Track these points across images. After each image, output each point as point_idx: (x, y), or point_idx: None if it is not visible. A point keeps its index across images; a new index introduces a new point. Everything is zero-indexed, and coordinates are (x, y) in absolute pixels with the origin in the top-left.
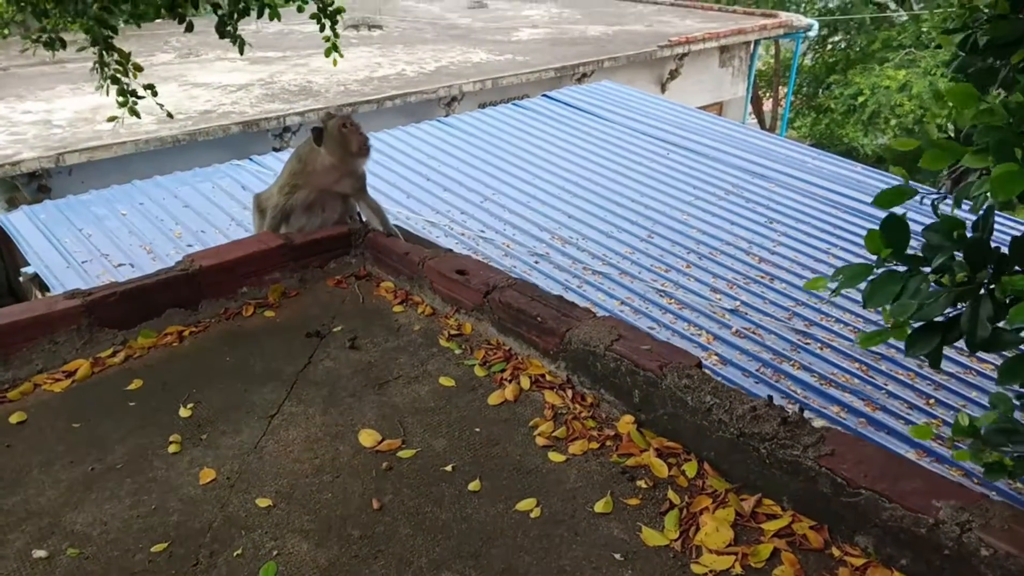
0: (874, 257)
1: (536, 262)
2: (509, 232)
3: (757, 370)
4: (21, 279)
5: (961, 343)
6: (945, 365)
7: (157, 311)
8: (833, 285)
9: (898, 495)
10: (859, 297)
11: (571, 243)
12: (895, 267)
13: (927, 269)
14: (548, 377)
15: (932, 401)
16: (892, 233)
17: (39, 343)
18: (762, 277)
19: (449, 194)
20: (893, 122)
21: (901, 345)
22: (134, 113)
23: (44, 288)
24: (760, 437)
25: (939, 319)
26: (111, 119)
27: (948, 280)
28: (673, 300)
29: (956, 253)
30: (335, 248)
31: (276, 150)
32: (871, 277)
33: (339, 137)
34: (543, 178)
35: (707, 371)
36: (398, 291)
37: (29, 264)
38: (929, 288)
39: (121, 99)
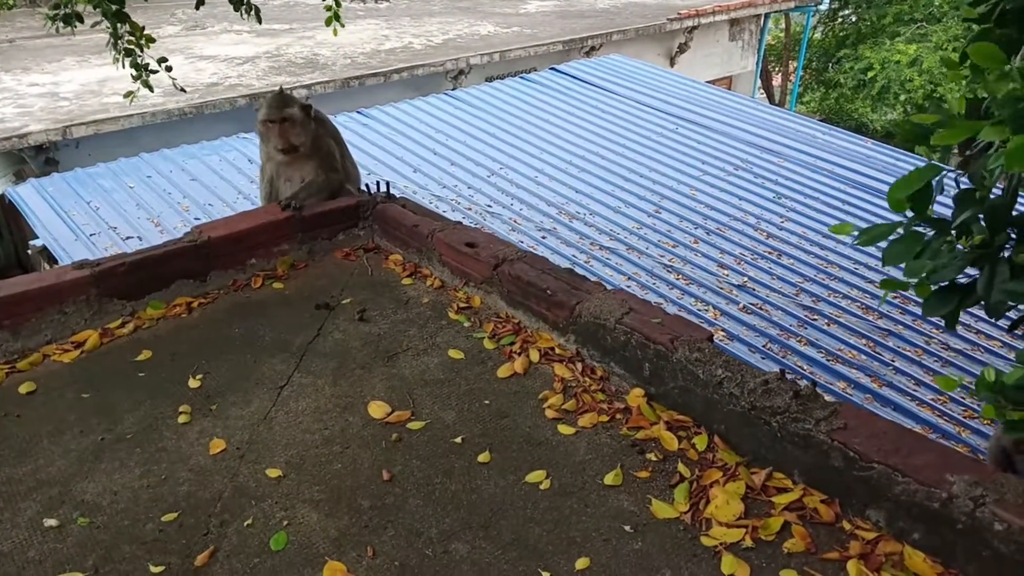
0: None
1: (543, 237)
2: (516, 207)
3: (764, 346)
4: (29, 252)
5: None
6: (952, 341)
7: (166, 282)
8: (856, 234)
9: (911, 469)
10: (868, 273)
11: (578, 218)
12: (918, 228)
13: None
14: (557, 350)
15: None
16: (915, 195)
17: (48, 313)
18: (770, 253)
19: (456, 168)
20: (903, 97)
21: (908, 321)
22: (148, 87)
23: (52, 260)
24: (772, 411)
25: (960, 281)
26: (128, 95)
27: (966, 242)
28: (680, 276)
29: (978, 216)
30: (344, 220)
31: None
32: (892, 236)
33: (263, 134)
34: (551, 152)
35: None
36: (407, 264)
37: (37, 237)
38: (950, 250)
39: (135, 73)
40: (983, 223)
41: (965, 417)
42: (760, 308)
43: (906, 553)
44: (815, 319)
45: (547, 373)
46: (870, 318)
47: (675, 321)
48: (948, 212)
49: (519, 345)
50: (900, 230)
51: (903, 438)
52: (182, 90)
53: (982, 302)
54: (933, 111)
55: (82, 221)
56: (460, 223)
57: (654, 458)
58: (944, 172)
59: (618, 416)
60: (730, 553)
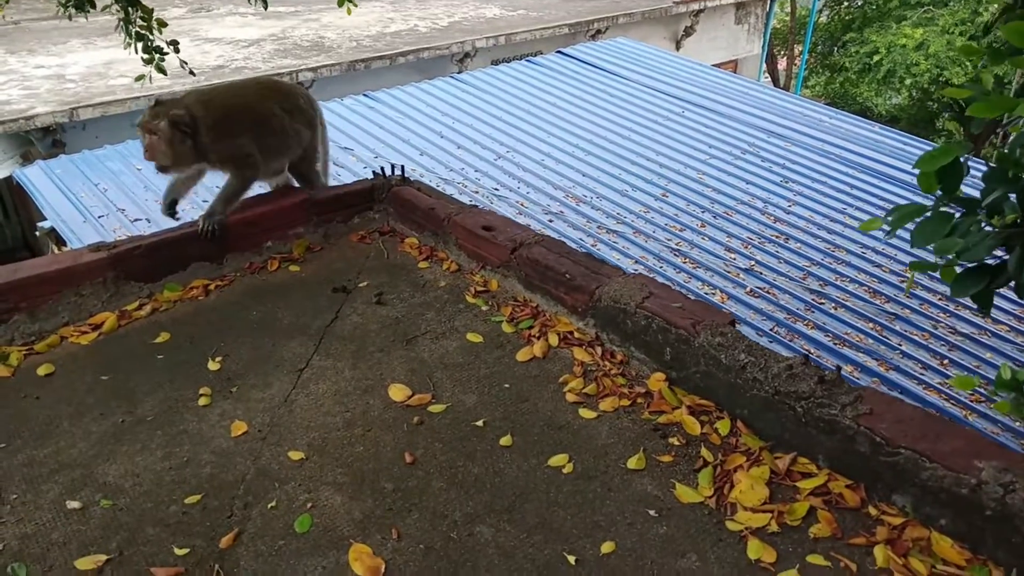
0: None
1: (550, 220)
2: (523, 190)
3: (771, 329)
4: (37, 233)
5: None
6: (959, 325)
7: (182, 264)
8: (887, 226)
9: (939, 455)
10: (875, 257)
11: (585, 201)
12: (948, 208)
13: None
14: (576, 334)
15: (946, 362)
16: (944, 173)
17: (64, 296)
18: (777, 237)
19: (463, 151)
20: (908, 81)
21: (915, 305)
22: (160, 70)
23: (61, 242)
24: (796, 396)
25: (989, 262)
26: (139, 78)
27: (997, 221)
28: (688, 259)
29: (1009, 195)
30: (358, 204)
31: None
32: (921, 217)
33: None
34: (557, 136)
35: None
36: (422, 247)
37: (45, 218)
38: (980, 230)
39: (147, 56)
40: (1015, 202)
41: (972, 401)
42: (767, 292)
43: (933, 539)
44: (822, 303)
45: (566, 357)
46: (877, 302)
47: (696, 305)
48: (971, 191)
49: (538, 329)
50: (928, 212)
51: (929, 423)
52: (192, 73)
53: (1012, 283)
54: (969, 87)
55: (90, 203)
56: (476, 206)
57: (677, 442)
58: (971, 147)
59: (639, 400)
60: (756, 538)
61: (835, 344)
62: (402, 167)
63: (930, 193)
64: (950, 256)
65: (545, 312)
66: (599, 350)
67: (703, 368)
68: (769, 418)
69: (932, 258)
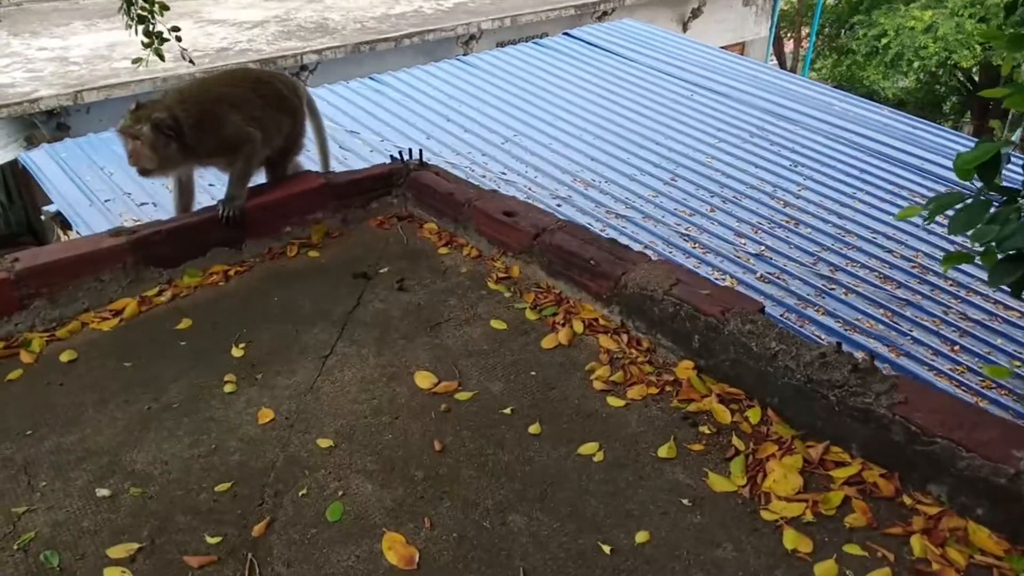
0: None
1: (558, 205)
2: (531, 174)
3: (781, 315)
4: (43, 217)
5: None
6: (970, 311)
7: (202, 250)
8: (925, 214)
9: (976, 444)
10: (886, 243)
11: (594, 186)
12: (989, 196)
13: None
14: (601, 321)
15: (957, 348)
16: (984, 163)
17: (84, 281)
18: (787, 221)
19: (470, 135)
20: (916, 64)
21: (926, 291)
22: (159, 55)
23: (67, 226)
24: (830, 384)
25: None
26: (136, 61)
27: None
28: (697, 244)
29: None
30: (376, 188)
31: None
32: (960, 205)
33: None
34: (565, 119)
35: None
36: (442, 232)
37: (49, 203)
38: (1019, 218)
39: (147, 40)
40: None
41: (983, 387)
42: (777, 277)
43: (970, 529)
44: (833, 288)
45: (592, 344)
46: (888, 288)
47: (725, 292)
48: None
49: (562, 316)
50: (967, 200)
51: (965, 413)
52: (190, 61)
53: None
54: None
55: (96, 187)
56: (496, 191)
57: (707, 431)
58: (1014, 145)
59: (668, 388)
60: (792, 528)
61: (846, 330)
62: (420, 151)
63: (967, 181)
64: (986, 244)
65: (569, 299)
66: (625, 337)
67: (733, 356)
68: (801, 406)
69: (947, 247)
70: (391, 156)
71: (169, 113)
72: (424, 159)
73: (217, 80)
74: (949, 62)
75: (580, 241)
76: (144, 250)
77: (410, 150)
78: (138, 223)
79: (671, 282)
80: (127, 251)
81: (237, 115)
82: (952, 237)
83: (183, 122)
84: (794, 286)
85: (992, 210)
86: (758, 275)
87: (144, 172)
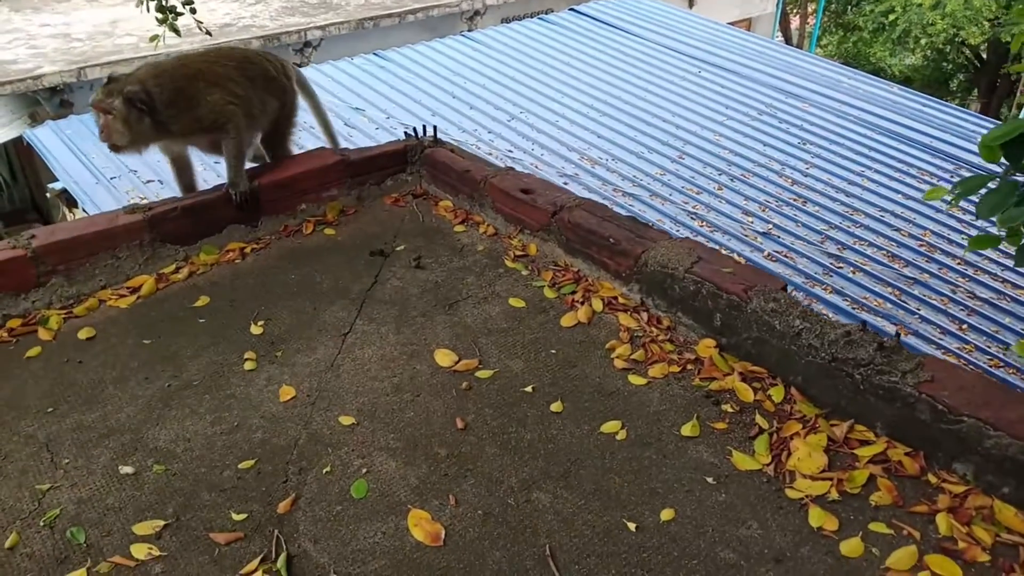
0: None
1: (565, 183)
2: (537, 152)
3: (790, 293)
4: (48, 195)
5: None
6: (978, 290)
7: (217, 227)
8: (949, 198)
9: (1004, 423)
10: (894, 221)
11: (601, 164)
12: (1016, 178)
13: None
14: (620, 299)
15: (965, 326)
16: (1009, 145)
17: (101, 258)
18: (795, 200)
19: (476, 112)
20: (924, 41)
21: (934, 270)
22: (175, 31)
23: (72, 203)
24: (855, 363)
25: None
26: (153, 38)
27: None
28: (704, 223)
29: None
30: (391, 165)
31: (297, 66)
32: (987, 188)
33: None
34: (571, 96)
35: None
36: (457, 210)
37: (57, 180)
38: None
39: (160, 16)
40: None
41: (991, 366)
42: (785, 256)
43: (996, 507)
44: (841, 267)
45: (612, 323)
46: (896, 266)
47: (747, 270)
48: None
49: (580, 294)
50: (993, 182)
51: (992, 391)
52: (208, 33)
53: None
54: None
55: (102, 164)
56: (512, 169)
57: (730, 409)
58: None
59: (689, 367)
60: (817, 506)
61: (853, 308)
62: (435, 128)
63: (993, 163)
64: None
65: (587, 277)
66: (645, 316)
67: (755, 334)
68: (825, 385)
69: (955, 225)
70: (405, 132)
71: (142, 87)
72: (438, 136)
73: (199, 57)
74: (957, 39)
75: (599, 219)
76: (160, 227)
77: (424, 127)
78: (145, 200)
79: (692, 260)
80: (144, 228)
81: (217, 93)
82: (960, 216)
83: (156, 97)
84: (802, 264)
85: (1021, 191)
86: (766, 253)
87: (115, 148)
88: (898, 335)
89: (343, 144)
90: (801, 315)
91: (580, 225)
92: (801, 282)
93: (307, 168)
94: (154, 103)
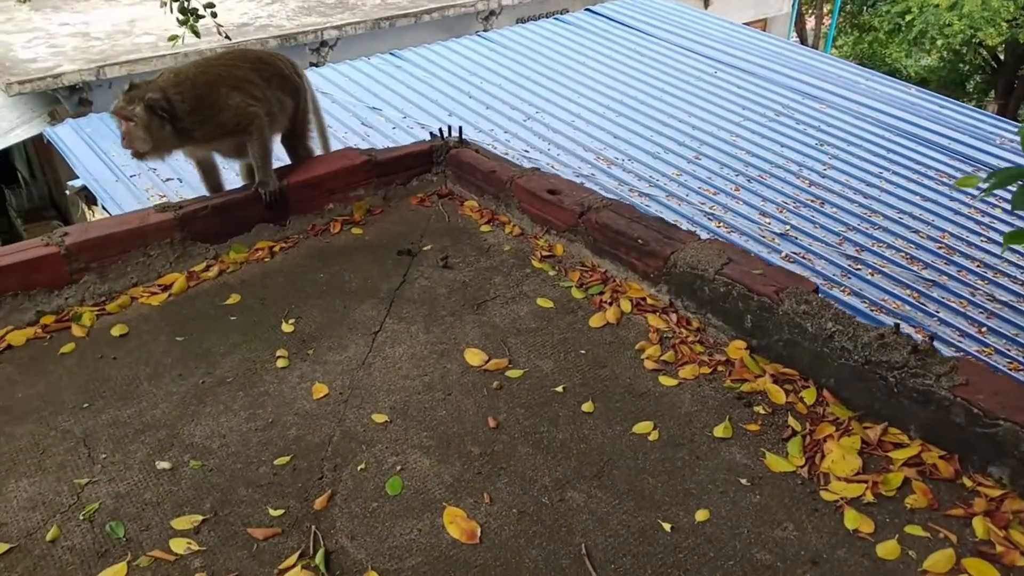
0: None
1: (581, 183)
2: (553, 152)
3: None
4: (67, 192)
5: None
6: (998, 293)
7: (246, 226)
8: (984, 186)
9: None
10: (913, 223)
11: (617, 164)
12: None
13: None
14: (649, 300)
15: (984, 329)
16: None
17: (133, 256)
18: (813, 201)
19: (492, 112)
20: (940, 42)
21: (953, 272)
22: (194, 32)
23: (92, 201)
24: (889, 366)
25: None
26: (172, 38)
27: None
28: (722, 224)
29: None
30: (417, 166)
31: (313, 65)
32: (1022, 182)
33: None
34: (587, 96)
35: (825, 297)
36: (483, 210)
37: (74, 177)
38: None
39: (182, 17)
40: None
41: (1011, 369)
42: (803, 257)
43: None
44: (859, 269)
45: (640, 324)
46: (915, 268)
47: (777, 272)
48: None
49: (609, 295)
50: None
51: None
52: (227, 37)
53: None
54: None
55: (122, 162)
56: (537, 169)
57: (762, 411)
58: None
59: (720, 368)
60: (852, 508)
61: (872, 310)
62: (460, 128)
63: None
64: None
65: (615, 278)
66: (674, 317)
67: (787, 336)
68: (858, 388)
69: (973, 227)
70: (430, 133)
71: (163, 94)
72: (463, 137)
73: (216, 61)
74: (974, 40)
75: (627, 219)
76: (191, 225)
77: (449, 127)
78: (164, 198)
79: (722, 261)
80: (175, 226)
81: (238, 96)
82: (978, 218)
83: (177, 104)
84: (819, 266)
85: None
86: (783, 255)
87: (138, 155)
88: (932, 338)
89: (360, 144)
90: (833, 317)
91: (608, 226)
92: (819, 284)
93: (334, 168)
94: (175, 111)
